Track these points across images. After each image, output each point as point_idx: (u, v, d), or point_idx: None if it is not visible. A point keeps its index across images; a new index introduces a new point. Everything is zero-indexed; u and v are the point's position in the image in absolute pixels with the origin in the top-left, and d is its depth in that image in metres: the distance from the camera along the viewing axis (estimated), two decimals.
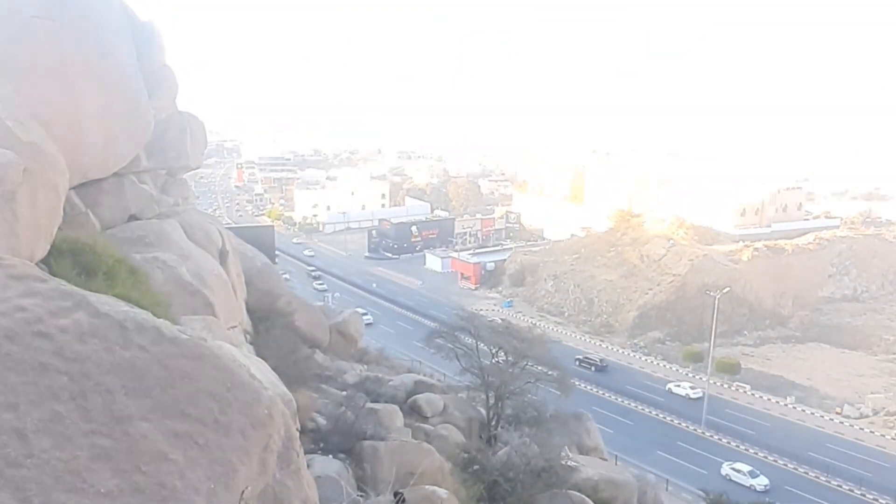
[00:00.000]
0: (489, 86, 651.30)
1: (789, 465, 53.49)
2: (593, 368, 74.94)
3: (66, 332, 4.77)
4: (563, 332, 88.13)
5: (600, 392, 68.37)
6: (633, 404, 66.14)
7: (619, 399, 67.13)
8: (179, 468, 4.51)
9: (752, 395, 68.60)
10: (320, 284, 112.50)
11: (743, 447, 56.70)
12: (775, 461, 54.20)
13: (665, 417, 63.30)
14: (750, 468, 51.65)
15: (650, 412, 64.57)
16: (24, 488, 4.00)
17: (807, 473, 52.12)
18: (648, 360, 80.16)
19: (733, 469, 51.65)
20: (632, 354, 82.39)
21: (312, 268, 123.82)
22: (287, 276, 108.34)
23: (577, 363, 73.65)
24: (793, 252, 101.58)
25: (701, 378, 68.29)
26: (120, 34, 16.02)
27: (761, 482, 49.94)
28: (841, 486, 50.25)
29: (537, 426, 26.37)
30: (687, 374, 74.49)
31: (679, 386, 70.40)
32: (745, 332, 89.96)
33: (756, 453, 55.60)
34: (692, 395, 67.46)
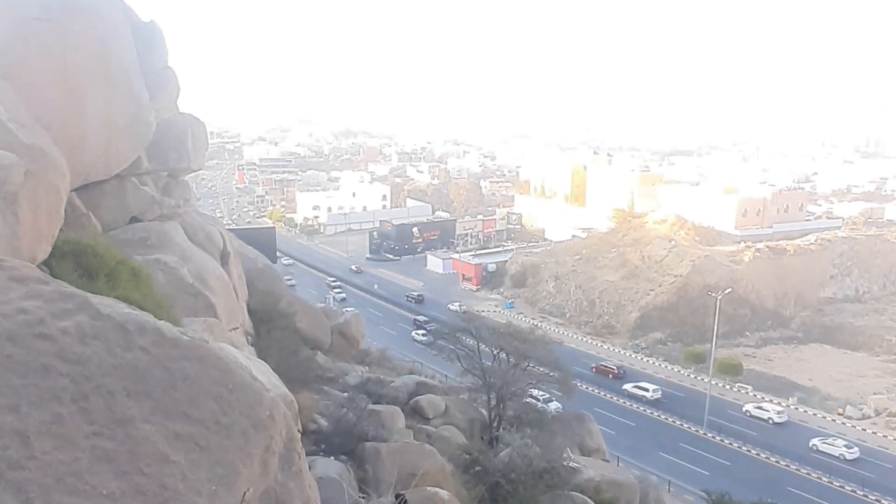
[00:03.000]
0: (490, 85, 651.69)
1: (791, 466, 53.40)
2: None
3: (67, 333, 4.76)
4: (565, 334, 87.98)
5: (602, 393, 68.34)
6: (634, 405, 66.15)
7: (620, 400, 67.12)
8: (181, 470, 4.50)
9: (754, 396, 68.46)
10: (423, 334, 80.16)
11: (745, 448, 56.68)
12: (777, 462, 54.18)
13: (667, 419, 63.25)
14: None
15: (651, 413, 64.54)
16: (26, 490, 4.00)
17: (809, 475, 52.05)
18: (650, 361, 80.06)
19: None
20: (633, 356, 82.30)
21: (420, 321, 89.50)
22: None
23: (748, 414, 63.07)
24: (794, 253, 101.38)
25: (703, 379, 68.22)
26: (121, 35, 16.00)
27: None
28: (843, 487, 50.19)
29: (539, 427, 26.35)
30: (689, 375, 74.40)
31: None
32: (747, 333, 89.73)
33: (758, 454, 55.60)
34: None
